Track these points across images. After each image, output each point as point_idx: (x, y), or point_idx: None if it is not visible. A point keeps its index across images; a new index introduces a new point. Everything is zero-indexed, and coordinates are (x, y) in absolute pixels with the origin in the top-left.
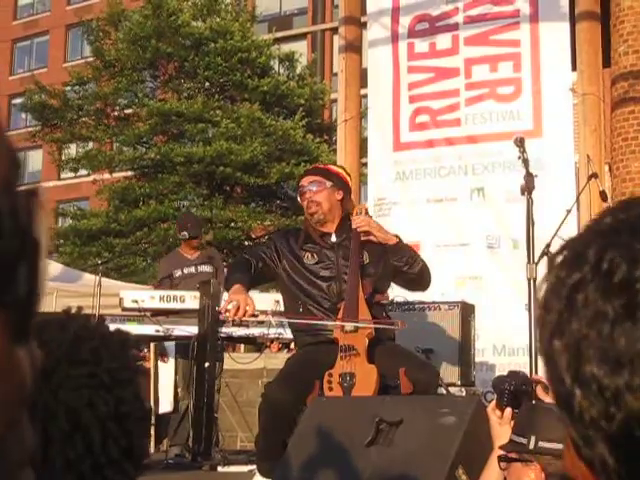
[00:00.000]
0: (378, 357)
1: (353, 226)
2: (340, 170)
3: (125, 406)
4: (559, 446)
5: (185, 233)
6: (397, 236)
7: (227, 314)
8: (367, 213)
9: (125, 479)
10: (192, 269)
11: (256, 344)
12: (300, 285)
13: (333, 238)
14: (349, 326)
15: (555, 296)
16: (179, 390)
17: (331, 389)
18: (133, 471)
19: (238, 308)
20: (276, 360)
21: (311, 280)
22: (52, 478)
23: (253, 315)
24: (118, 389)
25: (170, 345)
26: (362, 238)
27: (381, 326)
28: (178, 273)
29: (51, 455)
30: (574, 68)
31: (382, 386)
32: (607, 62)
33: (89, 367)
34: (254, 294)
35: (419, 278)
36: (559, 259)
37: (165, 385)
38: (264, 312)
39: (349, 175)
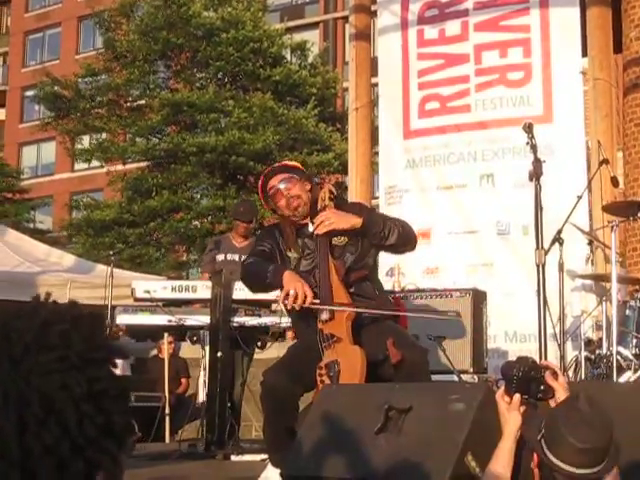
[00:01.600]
0: (365, 336)
1: (315, 230)
2: (295, 163)
3: (99, 384)
4: None
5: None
6: (364, 211)
7: (286, 302)
8: (332, 194)
9: (107, 457)
10: (236, 256)
11: (268, 333)
12: None
13: (310, 228)
14: (325, 314)
15: None
16: None
17: (322, 382)
18: (116, 449)
19: (296, 296)
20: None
21: (300, 275)
22: (31, 465)
23: (312, 303)
24: (91, 369)
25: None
26: (321, 232)
27: (380, 312)
28: (221, 257)
29: (28, 442)
30: (585, 54)
31: (370, 364)
32: (618, 48)
33: (59, 351)
34: None
35: (401, 245)
36: None
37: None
38: (275, 301)
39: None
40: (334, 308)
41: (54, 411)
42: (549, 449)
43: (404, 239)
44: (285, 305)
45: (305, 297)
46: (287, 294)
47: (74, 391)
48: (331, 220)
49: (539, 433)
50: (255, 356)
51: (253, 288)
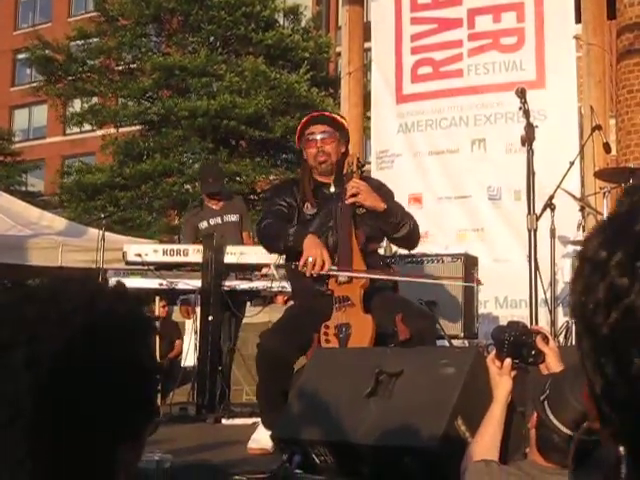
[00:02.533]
0: (374, 307)
1: (348, 192)
2: (344, 121)
3: (137, 357)
4: None
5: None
6: (387, 195)
7: (304, 269)
8: (359, 162)
9: (136, 429)
10: (218, 219)
11: (260, 297)
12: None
13: (332, 188)
14: (342, 277)
15: None
16: None
17: (328, 341)
18: (144, 423)
19: (314, 264)
20: (281, 313)
21: (309, 231)
22: (65, 420)
23: (330, 270)
24: (131, 341)
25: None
26: (349, 201)
27: (411, 279)
28: (204, 225)
29: (61, 400)
30: (579, 20)
31: (379, 335)
32: (612, 14)
33: (105, 318)
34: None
35: (405, 241)
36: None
37: (189, 338)
38: (267, 265)
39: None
40: (350, 274)
41: (93, 373)
42: (552, 410)
43: (410, 237)
44: (304, 271)
45: (323, 264)
46: (306, 261)
47: (114, 358)
48: (361, 194)
49: (543, 394)
50: (245, 320)
51: (271, 250)
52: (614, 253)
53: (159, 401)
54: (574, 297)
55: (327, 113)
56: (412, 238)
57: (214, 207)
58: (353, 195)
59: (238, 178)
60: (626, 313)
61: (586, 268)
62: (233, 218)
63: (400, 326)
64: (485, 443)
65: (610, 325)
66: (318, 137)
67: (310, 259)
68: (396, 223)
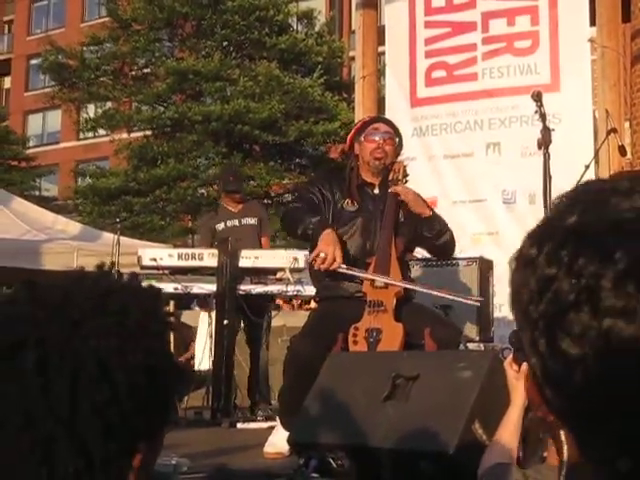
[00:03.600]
0: (404, 315)
1: (391, 190)
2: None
3: (153, 357)
4: None
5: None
6: (427, 204)
7: (313, 262)
8: (405, 171)
9: (152, 430)
10: (235, 222)
11: (275, 302)
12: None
13: (376, 190)
14: (379, 282)
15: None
16: None
17: (356, 343)
18: (160, 424)
19: (324, 260)
20: (296, 317)
21: (345, 227)
22: (79, 425)
23: (340, 267)
24: (147, 340)
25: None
26: (399, 199)
27: (459, 299)
28: (221, 226)
29: (78, 401)
30: (593, 23)
31: (407, 344)
32: (627, 17)
33: (118, 317)
34: (279, 251)
35: (442, 250)
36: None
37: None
38: (282, 269)
39: None
40: (362, 276)
41: (107, 374)
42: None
43: (448, 247)
44: (313, 265)
45: (334, 261)
46: (317, 255)
47: (129, 358)
48: (410, 196)
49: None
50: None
51: (291, 233)
52: (542, 249)
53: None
54: (511, 291)
55: (392, 121)
56: (451, 247)
57: (232, 209)
58: (401, 192)
59: (252, 182)
60: (554, 297)
61: (520, 265)
62: (251, 221)
63: (428, 340)
64: (502, 447)
65: (541, 311)
66: (382, 135)
67: (322, 254)
68: (439, 230)
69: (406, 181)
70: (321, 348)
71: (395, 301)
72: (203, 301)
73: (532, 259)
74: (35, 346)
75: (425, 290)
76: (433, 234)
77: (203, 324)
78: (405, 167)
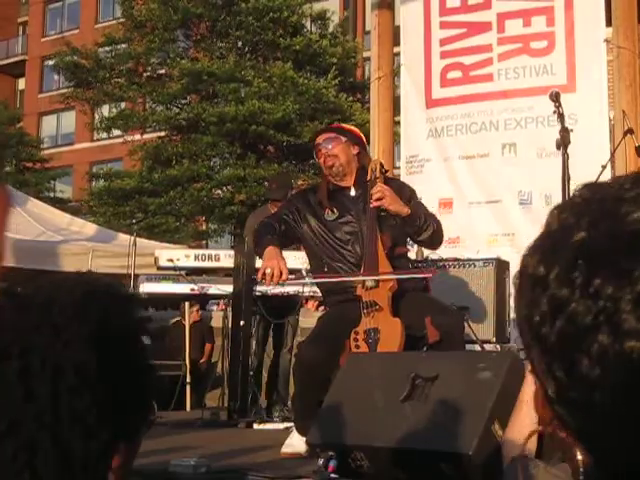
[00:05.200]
0: (402, 309)
1: (374, 197)
2: (353, 127)
3: (132, 360)
4: None
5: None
6: (412, 198)
7: (263, 280)
8: (382, 167)
9: (131, 429)
10: None
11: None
12: (323, 244)
13: (352, 192)
14: (370, 282)
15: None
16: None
17: (357, 347)
18: (140, 425)
19: (272, 275)
20: (311, 319)
21: (333, 237)
22: (61, 431)
23: (289, 279)
24: (126, 344)
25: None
26: (374, 205)
27: (408, 276)
28: None
29: (60, 408)
30: (609, 23)
31: (408, 337)
32: None
33: (98, 324)
34: (288, 253)
35: (427, 244)
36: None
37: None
38: (298, 271)
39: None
40: (331, 280)
41: (87, 380)
42: None
43: (434, 239)
44: (262, 282)
45: (280, 275)
46: (264, 272)
47: (108, 363)
48: (386, 199)
49: None
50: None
51: (253, 248)
52: (552, 268)
53: (188, 406)
54: (520, 311)
55: (335, 125)
56: (436, 239)
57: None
58: (378, 199)
59: (266, 183)
60: (569, 320)
61: (528, 284)
62: None
63: (430, 329)
64: (512, 442)
65: (556, 333)
66: (322, 145)
67: (268, 270)
68: (419, 226)
69: (385, 177)
70: (327, 353)
71: (390, 296)
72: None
73: (541, 278)
74: (18, 356)
75: (387, 277)
76: (413, 230)
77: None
78: (382, 163)
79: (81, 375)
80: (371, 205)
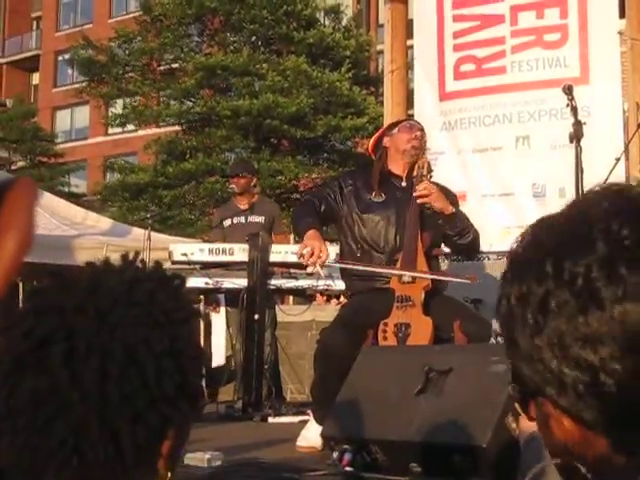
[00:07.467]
0: (433, 309)
1: (415, 193)
2: None
3: (180, 343)
4: None
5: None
6: (454, 202)
7: (301, 259)
8: (429, 167)
9: (180, 415)
10: (242, 219)
11: (305, 296)
12: (359, 228)
13: (403, 183)
14: (407, 277)
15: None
16: (234, 343)
17: (385, 338)
18: (189, 410)
19: (312, 254)
20: (325, 312)
21: (374, 221)
22: (109, 413)
23: (329, 262)
24: (173, 327)
25: (220, 296)
26: (420, 201)
27: (449, 279)
28: (228, 222)
29: (108, 390)
30: (622, 15)
31: (435, 339)
32: None
33: (145, 307)
34: None
35: (466, 249)
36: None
37: (217, 338)
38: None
39: None
40: (358, 267)
41: (135, 363)
42: None
43: (474, 245)
44: (300, 261)
45: (319, 257)
46: (304, 250)
47: (156, 346)
48: (432, 195)
49: None
50: (289, 319)
51: (293, 230)
52: (530, 288)
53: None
54: (500, 320)
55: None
56: (474, 247)
57: (240, 205)
58: (424, 196)
59: (280, 178)
60: (557, 311)
61: (509, 301)
62: (257, 219)
63: (457, 333)
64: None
65: (550, 330)
66: (416, 128)
67: (308, 248)
68: (462, 229)
69: (431, 176)
70: (351, 340)
71: (424, 295)
72: (214, 298)
73: (523, 296)
74: (63, 339)
75: (426, 276)
76: (455, 232)
77: (221, 320)
78: (429, 163)
79: (129, 358)
80: (417, 201)
